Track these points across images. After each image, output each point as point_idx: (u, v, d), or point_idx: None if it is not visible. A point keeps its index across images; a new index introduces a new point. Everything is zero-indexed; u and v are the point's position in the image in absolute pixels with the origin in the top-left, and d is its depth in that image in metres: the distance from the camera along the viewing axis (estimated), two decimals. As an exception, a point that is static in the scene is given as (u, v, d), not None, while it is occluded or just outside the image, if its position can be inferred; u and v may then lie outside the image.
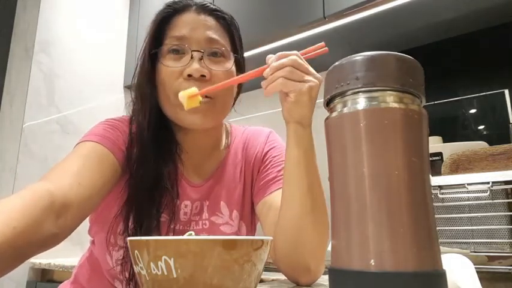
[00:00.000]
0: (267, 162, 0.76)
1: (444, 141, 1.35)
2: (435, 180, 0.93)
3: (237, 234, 0.72)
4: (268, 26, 1.51)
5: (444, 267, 0.30)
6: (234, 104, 0.79)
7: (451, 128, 1.49)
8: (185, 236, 0.37)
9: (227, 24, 0.73)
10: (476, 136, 1.43)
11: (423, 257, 0.28)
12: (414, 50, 1.57)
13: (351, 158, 0.31)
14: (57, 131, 1.87)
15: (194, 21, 0.69)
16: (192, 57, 0.67)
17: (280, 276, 0.97)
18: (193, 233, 0.43)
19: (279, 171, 0.73)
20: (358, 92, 0.31)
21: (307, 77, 0.61)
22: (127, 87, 2.20)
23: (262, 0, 1.56)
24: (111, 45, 2.18)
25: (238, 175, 0.76)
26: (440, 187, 0.92)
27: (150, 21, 0.72)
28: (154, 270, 0.34)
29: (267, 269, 1.56)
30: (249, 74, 0.63)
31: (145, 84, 0.69)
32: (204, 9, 0.71)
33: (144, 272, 0.35)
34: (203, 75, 0.66)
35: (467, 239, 0.90)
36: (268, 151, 0.78)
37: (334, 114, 0.33)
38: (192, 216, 0.71)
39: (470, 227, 0.89)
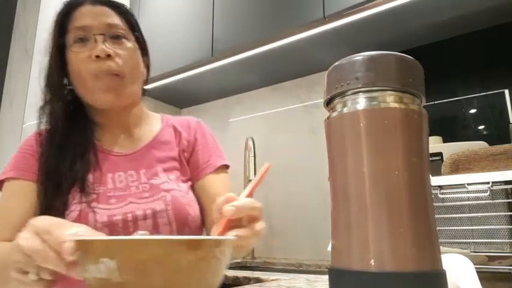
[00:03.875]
0: (198, 148, 0.85)
1: (444, 141, 1.35)
2: (435, 180, 0.93)
3: (180, 191, 0.78)
4: (268, 26, 1.51)
5: (444, 267, 0.30)
6: (145, 84, 0.87)
7: (451, 128, 1.49)
8: (135, 236, 0.34)
9: (122, 12, 0.80)
10: (476, 136, 1.43)
11: (423, 257, 0.28)
12: (414, 50, 1.57)
13: (351, 158, 0.31)
14: (57, 131, 1.87)
15: (92, 11, 0.76)
16: (95, 41, 0.74)
17: (280, 276, 0.97)
18: (147, 232, 0.40)
19: (210, 155, 0.84)
20: (358, 92, 0.31)
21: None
22: (127, 87, 2.21)
23: (262, 0, 1.56)
24: (111, 45, 2.19)
25: (173, 152, 0.83)
26: (440, 187, 0.92)
27: (53, 21, 0.79)
28: (95, 273, 0.31)
29: (267, 269, 1.56)
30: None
31: (56, 76, 0.78)
32: (97, 0, 0.78)
33: (90, 275, 0.32)
34: (109, 55, 0.73)
35: (467, 239, 0.89)
36: (198, 138, 0.87)
37: (334, 114, 0.33)
38: (130, 183, 0.76)
39: (470, 227, 0.89)
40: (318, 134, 1.73)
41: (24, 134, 1.75)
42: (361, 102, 0.31)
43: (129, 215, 0.72)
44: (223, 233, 0.47)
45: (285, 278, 0.85)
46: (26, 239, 0.41)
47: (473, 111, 1.47)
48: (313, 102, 1.78)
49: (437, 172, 1.04)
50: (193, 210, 0.78)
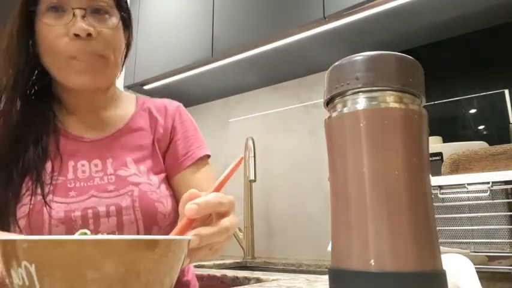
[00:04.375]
0: (176, 138, 0.77)
1: (444, 141, 1.35)
2: (435, 180, 0.93)
3: (150, 184, 0.69)
4: (268, 26, 1.51)
5: (444, 267, 0.30)
6: (123, 64, 0.76)
7: (451, 128, 1.49)
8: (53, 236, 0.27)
9: None
10: (476, 136, 1.43)
11: (423, 257, 0.28)
12: (414, 50, 1.57)
13: (351, 158, 0.31)
14: (57, 131, 1.86)
15: None
16: (74, 15, 0.64)
17: (280, 276, 0.97)
18: (87, 231, 0.35)
19: (190, 146, 0.76)
20: (358, 92, 0.31)
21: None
22: (127, 87, 2.20)
23: (262, 0, 1.56)
24: (111, 45, 2.18)
25: (146, 140, 0.75)
26: (440, 187, 0.92)
27: None
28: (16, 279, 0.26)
29: (267, 269, 1.56)
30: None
31: (18, 46, 0.66)
32: None
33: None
34: (89, 34, 0.64)
35: (467, 239, 0.89)
36: (176, 126, 0.78)
37: (334, 114, 0.33)
38: (94, 173, 0.68)
39: (470, 227, 0.89)
40: (318, 134, 1.73)
41: (24, 134, 1.75)
42: (361, 102, 0.31)
43: (90, 211, 0.64)
44: (181, 233, 0.41)
45: (285, 278, 0.85)
46: None
47: (473, 111, 1.47)
48: (313, 102, 1.78)
49: (437, 172, 1.04)
50: (164, 207, 0.69)
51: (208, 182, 0.75)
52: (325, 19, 1.38)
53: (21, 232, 0.62)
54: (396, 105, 0.30)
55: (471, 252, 0.87)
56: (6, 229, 0.63)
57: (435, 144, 1.28)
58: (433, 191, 0.92)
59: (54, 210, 0.62)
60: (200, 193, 0.45)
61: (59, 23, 0.64)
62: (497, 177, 0.87)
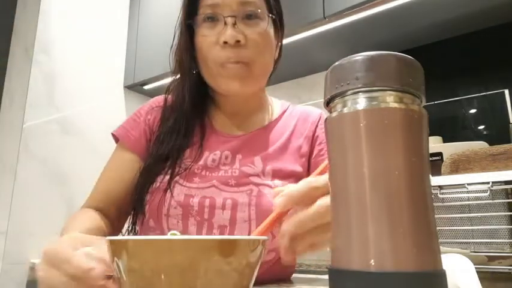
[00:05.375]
0: (320, 147, 0.76)
1: (444, 141, 1.35)
2: (435, 180, 0.93)
3: (270, 187, 0.68)
4: (268, 26, 1.51)
5: (444, 267, 0.30)
6: (275, 68, 0.80)
7: (451, 128, 1.49)
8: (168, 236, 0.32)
9: None
10: (476, 136, 1.43)
11: (423, 257, 0.28)
12: (414, 50, 1.57)
13: (350, 158, 0.31)
14: (57, 131, 1.86)
15: None
16: (225, 24, 0.68)
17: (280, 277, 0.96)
18: (177, 232, 0.38)
19: None
20: (358, 92, 0.31)
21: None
22: (127, 87, 2.20)
23: (262, 0, 1.55)
24: (111, 45, 2.18)
25: (282, 141, 0.75)
26: (440, 187, 0.92)
27: None
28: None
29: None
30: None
31: (184, 56, 0.74)
32: None
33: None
34: (238, 41, 0.67)
35: (467, 239, 0.90)
36: (319, 134, 0.78)
37: (334, 114, 0.33)
38: (222, 165, 0.71)
39: (470, 227, 0.89)
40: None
41: (24, 134, 1.75)
42: (361, 102, 0.31)
43: (207, 200, 0.66)
44: (266, 230, 0.41)
45: (285, 278, 0.85)
46: (45, 270, 0.39)
47: (473, 111, 1.48)
48: (313, 102, 1.78)
49: (437, 172, 1.04)
50: None
51: None
52: (325, 19, 1.39)
53: (143, 211, 0.69)
54: (396, 105, 0.30)
55: (471, 252, 0.87)
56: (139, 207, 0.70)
57: (435, 144, 1.28)
58: (433, 191, 0.92)
59: (176, 192, 0.66)
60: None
61: (212, 32, 0.69)
62: (497, 177, 0.87)
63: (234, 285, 0.31)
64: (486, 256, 0.86)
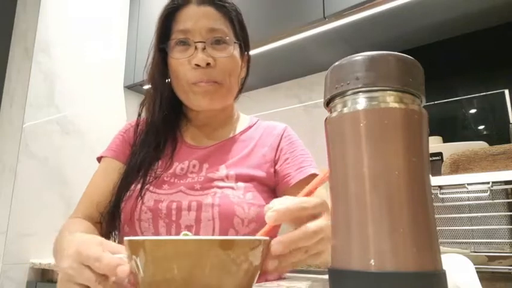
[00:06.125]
0: (284, 157, 0.81)
1: (444, 141, 1.35)
2: (435, 180, 0.93)
3: (233, 189, 0.74)
4: (268, 26, 1.51)
5: (444, 267, 0.30)
6: (242, 88, 0.88)
7: (451, 128, 1.49)
8: (181, 236, 0.37)
9: (228, 11, 0.80)
10: (476, 136, 1.43)
11: (423, 257, 0.28)
12: (414, 50, 1.57)
13: (351, 158, 0.31)
14: (57, 131, 1.86)
15: (195, 14, 0.77)
16: (196, 48, 0.75)
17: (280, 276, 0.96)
18: (189, 233, 0.42)
19: (300, 163, 0.79)
20: (358, 92, 0.31)
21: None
22: (127, 87, 2.20)
23: (262, 1, 1.55)
24: (111, 45, 2.18)
25: (247, 151, 0.81)
26: (440, 187, 0.92)
27: (157, 18, 0.80)
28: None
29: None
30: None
31: (157, 75, 0.81)
32: (203, 1, 0.78)
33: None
34: (208, 63, 0.75)
35: (467, 239, 0.90)
36: (284, 146, 0.83)
37: (334, 114, 0.33)
38: (190, 173, 0.77)
39: (470, 227, 0.89)
40: (317, 134, 1.73)
41: (24, 134, 1.75)
42: (361, 102, 0.31)
43: (174, 204, 0.71)
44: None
45: (285, 278, 0.85)
46: (75, 269, 0.42)
47: (473, 111, 1.48)
48: (313, 102, 1.78)
49: (437, 172, 1.04)
50: (243, 212, 0.70)
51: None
52: (325, 19, 1.38)
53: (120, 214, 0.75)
54: (396, 105, 0.30)
55: (471, 252, 0.87)
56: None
57: (435, 144, 1.28)
58: (433, 191, 0.92)
59: (146, 198, 0.72)
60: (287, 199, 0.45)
61: (184, 55, 0.76)
62: (497, 177, 0.87)
63: (240, 280, 0.35)
64: (486, 256, 0.86)
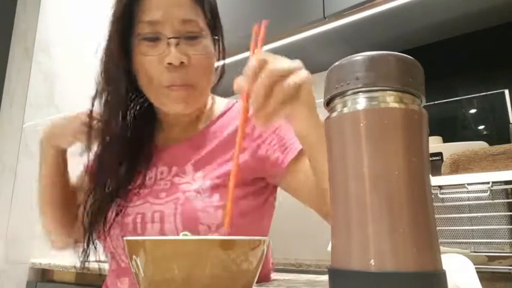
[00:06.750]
0: (266, 142, 0.71)
1: (444, 141, 1.35)
2: (435, 180, 0.93)
3: (198, 192, 0.66)
4: (268, 26, 1.51)
5: (444, 267, 0.30)
6: (216, 85, 0.79)
7: (451, 128, 1.49)
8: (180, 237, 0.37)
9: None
10: (476, 136, 1.43)
11: (423, 257, 0.28)
12: (414, 50, 1.57)
13: (350, 158, 0.31)
14: (57, 131, 1.86)
15: (166, 1, 0.65)
16: (168, 44, 0.65)
17: (279, 277, 0.97)
18: (188, 233, 0.42)
19: (286, 143, 0.70)
20: (358, 92, 0.31)
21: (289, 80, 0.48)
22: (127, 87, 2.21)
23: (262, 1, 1.55)
24: (111, 45, 2.18)
25: (218, 142, 0.72)
26: (440, 187, 0.92)
27: (116, 7, 0.69)
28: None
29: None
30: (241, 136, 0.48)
31: (115, 69, 0.70)
32: None
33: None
34: (182, 62, 0.65)
35: (467, 239, 0.90)
36: (263, 132, 0.72)
37: (334, 114, 0.33)
38: (158, 180, 0.71)
39: (470, 227, 0.89)
40: (318, 134, 1.73)
41: (24, 134, 1.75)
42: (361, 102, 0.31)
43: (139, 216, 0.67)
44: (243, 122, 0.44)
45: (285, 278, 0.85)
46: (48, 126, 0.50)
47: (473, 111, 1.48)
48: (313, 102, 1.78)
49: (437, 172, 1.04)
50: (208, 217, 0.64)
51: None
52: (325, 19, 1.39)
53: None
54: (396, 105, 0.30)
55: (471, 252, 0.87)
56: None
57: (435, 144, 1.28)
58: (433, 191, 0.92)
59: (115, 214, 0.68)
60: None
61: (153, 52, 0.66)
62: (497, 177, 0.87)
63: (240, 280, 0.35)
64: (486, 256, 0.86)
